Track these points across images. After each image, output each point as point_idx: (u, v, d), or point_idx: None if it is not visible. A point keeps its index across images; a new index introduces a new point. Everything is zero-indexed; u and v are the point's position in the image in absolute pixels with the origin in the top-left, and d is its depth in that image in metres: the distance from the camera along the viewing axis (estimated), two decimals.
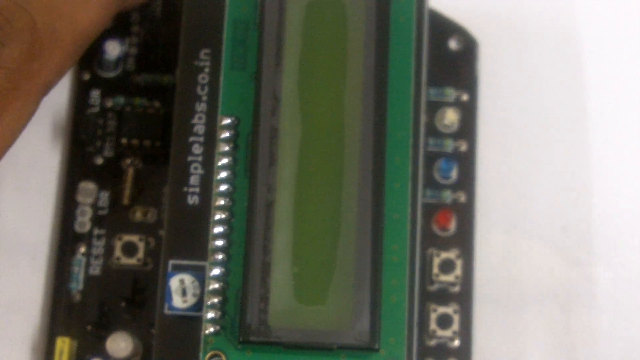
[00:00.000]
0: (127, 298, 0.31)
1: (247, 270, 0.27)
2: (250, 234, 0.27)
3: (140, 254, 0.32)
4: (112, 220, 0.32)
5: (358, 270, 0.27)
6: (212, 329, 0.27)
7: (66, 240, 0.32)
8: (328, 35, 0.29)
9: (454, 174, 0.33)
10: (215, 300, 0.27)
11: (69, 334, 0.31)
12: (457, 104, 0.34)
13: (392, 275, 0.28)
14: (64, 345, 0.31)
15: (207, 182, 0.30)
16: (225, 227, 0.28)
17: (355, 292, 0.27)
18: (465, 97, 0.34)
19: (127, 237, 0.32)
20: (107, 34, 0.33)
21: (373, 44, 0.29)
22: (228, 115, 0.29)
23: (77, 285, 0.32)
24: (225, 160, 0.29)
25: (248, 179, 0.28)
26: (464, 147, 0.34)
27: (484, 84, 0.35)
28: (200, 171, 0.30)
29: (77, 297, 0.32)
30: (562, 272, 0.33)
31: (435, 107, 0.34)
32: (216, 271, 0.28)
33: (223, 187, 0.28)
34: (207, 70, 0.31)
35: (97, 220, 0.32)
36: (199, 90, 0.31)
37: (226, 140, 0.29)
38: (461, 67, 0.34)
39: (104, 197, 0.32)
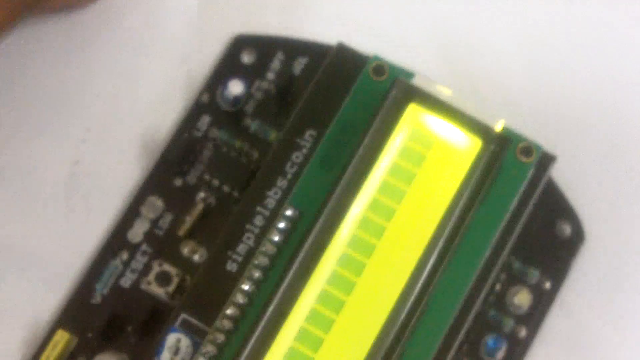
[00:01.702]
0: (139, 323, 0.31)
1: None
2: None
3: (172, 287, 0.32)
4: (163, 244, 0.32)
5: None
6: None
7: (114, 242, 0.32)
8: (423, 171, 0.28)
9: (499, 354, 0.32)
10: None
11: (70, 330, 0.31)
12: (535, 288, 0.32)
13: None
14: (61, 339, 0.31)
15: (252, 256, 0.29)
16: (247, 299, 0.28)
17: None
18: (547, 285, 0.32)
19: (167, 267, 0.32)
20: (238, 71, 0.33)
21: (468, 192, 0.28)
22: (294, 206, 0.28)
23: (102, 288, 0.32)
24: (269, 248, 0.28)
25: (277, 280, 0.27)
26: (522, 333, 0.32)
27: (573, 280, 0.33)
28: (250, 244, 0.30)
29: (97, 299, 0.32)
30: None
31: (513, 281, 0.32)
32: (210, 349, 0.27)
33: (256, 274, 0.28)
34: (304, 151, 0.30)
35: (150, 237, 0.32)
36: (288, 166, 0.30)
37: (279, 230, 0.28)
38: (558, 256, 0.33)
39: (167, 219, 0.33)
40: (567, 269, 0.33)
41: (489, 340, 0.32)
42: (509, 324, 0.32)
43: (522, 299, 0.32)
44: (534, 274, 0.32)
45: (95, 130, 0.33)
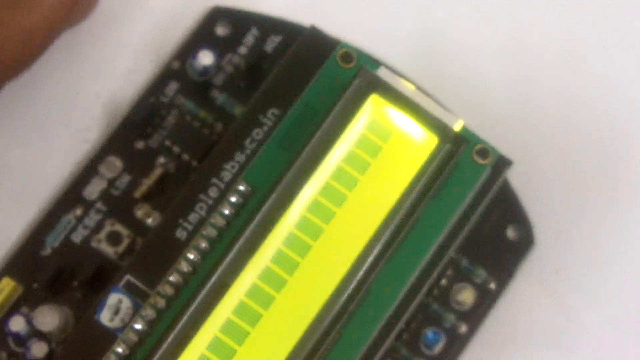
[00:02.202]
0: (85, 279, 0.32)
1: (164, 334, 0.27)
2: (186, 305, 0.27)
3: (121, 248, 0.32)
4: (117, 204, 0.32)
5: None
6: None
7: (69, 197, 0.33)
8: (378, 162, 0.29)
9: (437, 347, 0.32)
10: (132, 338, 0.27)
11: (16, 279, 0.31)
12: (480, 287, 0.33)
13: None
14: (6, 286, 0.31)
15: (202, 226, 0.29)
16: (191, 267, 0.28)
17: None
18: (492, 285, 0.33)
19: (119, 227, 0.32)
20: (210, 42, 0.33)
21: (419, 187, 0.29)
22: (247, 182, 0.29)
23: (53, 241, 0.32)
24: (218, 220, 0.28)
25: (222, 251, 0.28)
26: (462, 329, 0.32)
27: (517, 281, 0.33)
28: (202, 213, 0.30)
29: (46, 251, 0.32)
30: None
31: (459, 278, 0.33)
32: (149, 313, 0.28)
33: (203, 244, 0.28)
34: (265, 129, 0.31)
35: (105, 196, 0.33)
36: (247, 142, 0.31)
37: (230, 204, 0.29)
38: (506, 258, 0.33)
39: (125, 180, 0.33)
40: (514, 272, 0.33)
41: (429, 332, 0.32)
42: (450, 319, 0.32)
43: (466, 296, 0.33)
44: (481, 274, 0.33)
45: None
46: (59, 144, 0.33)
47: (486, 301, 0.33)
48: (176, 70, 0.34)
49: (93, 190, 0.33)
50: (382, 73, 0.29)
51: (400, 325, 0.30)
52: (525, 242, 0.33)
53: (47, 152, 0.33)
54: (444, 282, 0.33)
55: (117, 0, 0.34)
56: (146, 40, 0.34)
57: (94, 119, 0.33)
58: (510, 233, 0.33)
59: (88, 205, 0.32)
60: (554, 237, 0.34)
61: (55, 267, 0.32)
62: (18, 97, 0.33)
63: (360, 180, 0.29)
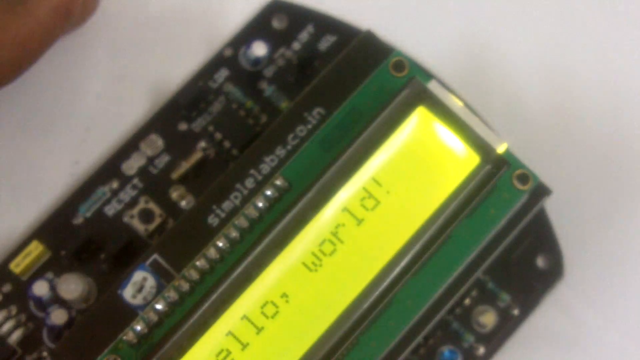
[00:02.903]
0: (113, 253, 0.32)
1: (183, 318, 0.27)
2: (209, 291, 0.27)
3: (152, 226, 0.32)
4: (153, 183, 0.33)
5: None
6: (129, 338, 0.27)
7: (108, 168, 0.33)
8: (417, 174, 0.29)
9: None
10: (152, 317, 0.28)
11: (46, 244, 0.32)
12: (503, 311, 0.33)
13: None
14: (35, 250, 0.31)
15: (235, 215, 0.29)
16: (218, 255, 0.28)
17: None
18: (516, 311, 0.33)
19: (153, 205, 0.32)
20: (265, 34, 0.33)
21: (455, 204, 0.28)
22: (285, 178, 0.29)
23: (86, 210, 0.32)
24: (252, 212, 0.28)
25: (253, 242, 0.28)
26: (480, 351, 0.32)
27: (542, 310, 0.33)
28: (236, 203, 0.30)
29: (78, 220, 0.32)
30: None
31: (483, 300, 0.33)
32: (172, 295, 0.28)
33: (233, 234, 0.28)
34: (309, 126, 0.31)
35: (142, 173, 0.33)
36: (290, 137, 0.31)
37: (266, 197, 0.29)
38: (532, 286, 0.33)
39: (164, 159, 0.33)
40: (539, 301, 0.33)
41: (446, 351, 0.32)
42: (469, 339, 0.32)
43: (487, 319, 0.32)
44: (505, 298, 0.33)
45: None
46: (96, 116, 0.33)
47: (507, 326, 0.33)
48: (228, 58, 0.34)
49: (132, 165, 0.33)
50: (433, 86, 0.29)
51: (419, 339, 0.30)
52: (554, 273, 0.33)
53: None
54: (467, 301, 0.32)
55: None
56: (202, 26, 0.34)
57: (141, 97, 0.34)
58: (540, 261, 0.33)
59: (125, 179, 0.33)
60: (584, 270, 0.33)
61: (85, 237, 0.32)
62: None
63: (396, 189, 0.28)
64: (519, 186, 0.29)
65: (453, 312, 0.32)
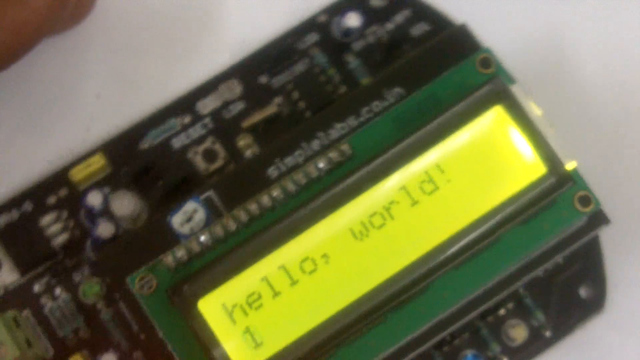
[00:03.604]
0: (170, 183, 0.32)
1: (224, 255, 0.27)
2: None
3: (213, 167, 0.33)
4: (224, 126, 0.33)
5: None
6: (168, 261, 0.28)
7: (184, 102, 0.33)
8: (480, 169, 0.29)
9: None
10: (194, 247, 0.28)
11: (109, 159, 0.32)
12: (535, 330, 0.32)
13: None
14: (97, 162, 0.32)
15: (294, 171, 0.30)
16: (270, 203, 0.28)
17: None
18: (547, 333, 0.32)
19: (218, 147, 0.33)
20: (362, 8, 0.34)
21: (512, 209, 0.29)
22: (351, 145, 0.29)
23: (154, 137, 0.33)
24: (311, 171, 0.29)
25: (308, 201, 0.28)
26: None
27: (574, 338, 0.33)
28: (299, 160, 0.31)
29: (144, 145, 0.33)
30: None
31: (517, 314, 0.32)
32: (218, 230, 0.28)
33: (290, 187, 0.29)
34: (385, 104, 0.31)
35: (215, 115, 0.33)
36: (364, 110, 0.31)
37: (328, 160, 0.29)
38: (570, 313, 0.32)
39: (238, 106, 0.33)
40: (573, 329, 0.32)
41: (470, 354, 0.32)
42: (495, 349, 0.32)
43: (518, 333, 0.32)
44: (540, 318, 0.32)
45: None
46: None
47: (536, 345, 0.32)
48: (321, 24, 0.34)
49: (207, 105, 0.33)
50: (516, 89, 0.29)
51: (445, 334, 0.30)
52: (594, 305, 0.33)
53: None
54: (502, 312, 0.32)
55: None
56: None
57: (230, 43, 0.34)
58: (583, 291, 0.33)
59: (197, 117, 0.33)
60: (625, 309, 0.33)
61: (148, 161, 0.32)
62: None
63: (457, 180, 0.29)
64: (579, 207, 0.29)
65: (485, 318, 0.32)
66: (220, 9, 0.34)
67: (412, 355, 0.30)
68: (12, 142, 0.33)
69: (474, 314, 0.30)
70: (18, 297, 0.31)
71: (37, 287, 0.32)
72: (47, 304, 0.32)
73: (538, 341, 0.32)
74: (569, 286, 0.33)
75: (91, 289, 0.31)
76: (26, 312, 0.31)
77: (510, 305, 0.32)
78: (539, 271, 0.31)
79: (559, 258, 0.31)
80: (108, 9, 0.34)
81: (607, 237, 0.33)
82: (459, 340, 0.32)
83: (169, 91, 0.34)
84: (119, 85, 0.34)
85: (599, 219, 0.31)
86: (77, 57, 0.34)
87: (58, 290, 0.32)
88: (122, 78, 0.34)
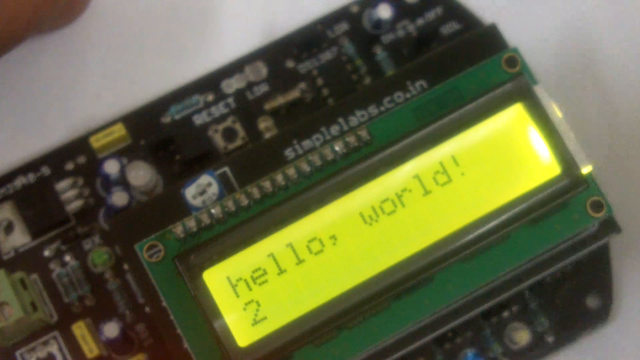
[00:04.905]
0: (188, 158, 0.33)
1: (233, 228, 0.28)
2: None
3: (232, 146, 0.33)
4: (246, 107, 0.33)
5: None
6: (177, 231, 0.28)
7: (208, 80, 0.34)
8: (495, 165, 0.29)
9: None
10: (204, 219, 0.28)
11: (129, 129, 0.33)
12: (538, 335, 0.32)
13: None
14: (117, 132, 0.32)
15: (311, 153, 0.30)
16: (284, 182, 0.29)
17: None
18: (550, 339, 0.32)
19: (239, 127, 0.33)
20: (395, 1, 0.34)
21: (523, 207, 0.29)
22: (369, 131, 0.29)
23: (176, 112, 0.33)
24: (328, 153, 0.29)
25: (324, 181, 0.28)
26: None
27: (578, 347, 0.32)
28: (317, 144, 0.31)
29: (166, 119, 0.33)
30: None
31: (521, 317, 0.32)
32: (230, 205, 0.28)
33: (305, 167, 0.29)
34: (408, 95, 0.31)
35: (239, 95, 0.34)
36: (386, 100, 0.31)
37: (345, 143, 0.29)
38: (574, 322, 0.32)
39: (262, 89, 0.34)
40: (576, 337, 0.32)
41: (470, 353, 0.32)
42: (496, 350, 0.32)
43: (520, 337, 0.32)
44: (544, 323, 0.32)
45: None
46: None
47: (537, 350, 0.32)
48: (352, 14, 0.34)
49: (231, 84, 0.34)
50: (538, 90, 0.29)
51: (446, 329, 0.30)
52: (599, 316, 0.32)
53: None
54: (506, 314, 0.32)
55: None
56: None
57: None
58: (590, 300, 0.32)
59: (221, 96, 0.34)
60: (630, 322, 0.33)
61: (167, 135, 0.33)
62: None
63: (471, 173, 0.29)
64: (591, 212, 0.29)
65: (489, 319, 0.32)
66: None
67: (413, 347, 0.30)
68: (28, 115, 0.33)
69: (477, 310, 0.30)
70: (27, 260, 0.32)
71: (47, 252, 0.32)
72: (56, 269, 0.32)
73: (540, 346, 0.32)
74: (576, 294, 0.32)
75: (100, 257, 0.32)
76: (34, 276, 0.32)
77: (515, 308, 0.32)
78: (545, 274, 0.31)
79: (566, 264, 0.31)
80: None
81: (616, 247, 0.32)
82: (460, 338, 0.32)
83: (194, 69, 0.34)
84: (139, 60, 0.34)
85: (609, 226, 0.31)
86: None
87: (67, 257, 0.32)
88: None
